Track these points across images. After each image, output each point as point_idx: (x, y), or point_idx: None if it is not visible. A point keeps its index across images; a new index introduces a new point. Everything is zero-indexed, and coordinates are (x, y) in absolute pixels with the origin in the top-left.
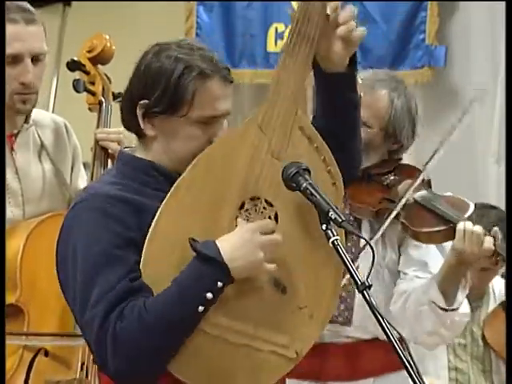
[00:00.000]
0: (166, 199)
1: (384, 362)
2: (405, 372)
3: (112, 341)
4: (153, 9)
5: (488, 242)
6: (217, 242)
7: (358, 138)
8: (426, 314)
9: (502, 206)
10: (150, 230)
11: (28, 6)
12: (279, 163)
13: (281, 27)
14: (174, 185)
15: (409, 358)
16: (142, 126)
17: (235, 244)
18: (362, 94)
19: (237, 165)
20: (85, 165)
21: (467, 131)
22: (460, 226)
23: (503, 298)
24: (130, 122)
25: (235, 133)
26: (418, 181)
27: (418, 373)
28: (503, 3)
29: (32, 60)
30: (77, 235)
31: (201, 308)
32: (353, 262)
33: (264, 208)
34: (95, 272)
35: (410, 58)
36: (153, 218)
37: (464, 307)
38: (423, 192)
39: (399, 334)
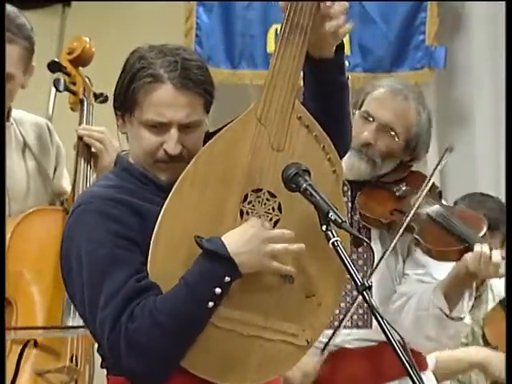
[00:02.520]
0: (169, 196)
1: None
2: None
3: (125, 342)
4: (153, 9)
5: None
6: (222, 237)
7: (346, 115)
8: (428, 320)
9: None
10: (156, 228)
11: (17, 19)
12: (280, 154)
13: None
14: (177, 181)
15: (409, 360)
16: (116, 121)
17: (241, 239)
18: (394, 101)
19: (238, 158)
20: None
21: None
22: (477, 248)
23: (502, 296)
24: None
25: (235, 126)
26: (423, 193)
27: (418, 375)
28: (503, 3)
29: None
30: (79, 240)
31: (210, 304)
32: (353, 264)
33: (267, 199)
34: (101, 275)
35: (410, 58)
36: (155, 219)
37: (466, 318)
38: (436, 207)
39: (399, 335)
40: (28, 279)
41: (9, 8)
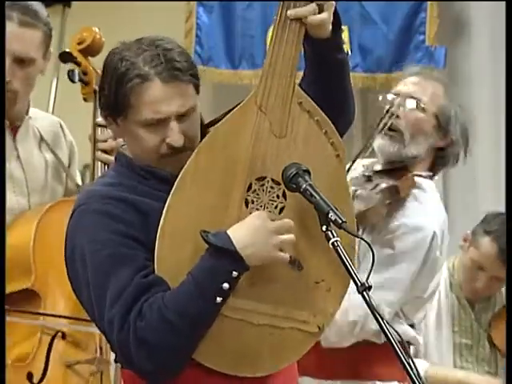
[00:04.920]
0: (172, 190)
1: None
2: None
3: (135, 341)
4: (153, 9)
5: None
6: (228, 231)
7: (346, 92)
8: None
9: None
10: (161, 223)
11: (34, 6)
12: (282, 141)
13: None
14: (179, 176)
15: (409, 361)
16: (108, 126)
17: (247, 232)
18: (414, 78)
19: (240, 147)
20: (85, 167)
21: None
22: None
23: None
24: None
25: (235, 116)
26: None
27: (418, 375)
28: (503, 3)
29: (18, 62)
30: (82, 240)
31: (219, 299)
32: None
33: (271, 187)
34: (107, 275)
35: (410, 59)
36: (157, 215)
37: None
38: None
39: (399, 335)
40: (55, 271)
41: (26, 1)
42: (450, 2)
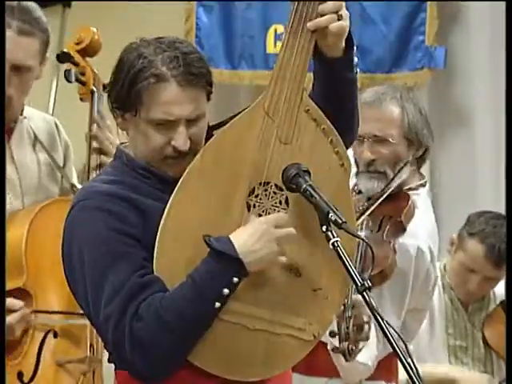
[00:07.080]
0: (176, 189)
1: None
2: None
3: (130, 340)
4: (153, 10)
5: None
6: (231, 236)
7: (355, 109)
8: None
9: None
10: (162, 220)
11: (34, 13)
12: (287, 147)
13: (280, 29)
14: (185, 173)
15: (409, 360)
16: (114, 119)
17: (250, 238)
18: (370, 112)
19: (246, 151)
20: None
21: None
22: None
23: (503, 297)
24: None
25: (242, 119)
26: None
27: (418, 375)
28: (503, 3)
29: (15, 70)
30: (80, 237)
31: (218, 304)
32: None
33: (274, 193)
34: (104, 272)
35: (410, 59)
36: (157, 214)
37: None
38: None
39: (399, 335)
40: (47, 270)
41: (26, 2)
42: (449, 2)
